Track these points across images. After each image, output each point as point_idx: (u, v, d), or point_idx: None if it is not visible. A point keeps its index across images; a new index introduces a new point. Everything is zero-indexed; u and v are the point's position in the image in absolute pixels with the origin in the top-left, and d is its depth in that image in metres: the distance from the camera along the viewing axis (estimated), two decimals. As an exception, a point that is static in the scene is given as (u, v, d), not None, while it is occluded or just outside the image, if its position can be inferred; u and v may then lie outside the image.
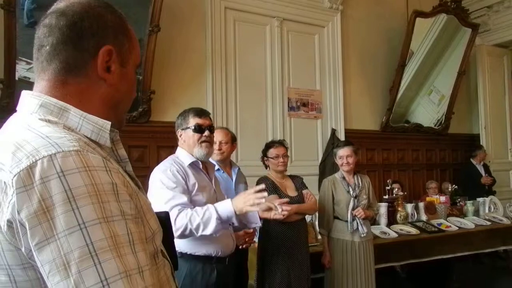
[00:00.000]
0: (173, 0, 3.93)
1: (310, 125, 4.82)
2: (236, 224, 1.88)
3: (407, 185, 5.45)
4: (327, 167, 4.63)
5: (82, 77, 0.78)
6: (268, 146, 3.02)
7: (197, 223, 1.81)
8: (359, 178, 3.19)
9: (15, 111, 0.79)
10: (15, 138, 0.68)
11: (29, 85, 2.57)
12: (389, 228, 3.81)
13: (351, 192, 3.09)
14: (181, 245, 1.94)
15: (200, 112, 2.12)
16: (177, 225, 1.81)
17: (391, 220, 3.99)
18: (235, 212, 1.83)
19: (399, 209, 4.08)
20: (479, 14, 5.92)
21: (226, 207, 1.84)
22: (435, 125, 5.81)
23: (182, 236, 1.83)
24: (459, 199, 4.88)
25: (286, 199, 2.37)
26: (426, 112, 5.72)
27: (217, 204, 1.87)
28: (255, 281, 2.89)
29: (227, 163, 2.92)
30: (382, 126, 5.35)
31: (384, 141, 5.43)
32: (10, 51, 3.15)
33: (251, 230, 2.59)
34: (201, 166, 2.09)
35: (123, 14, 0.85)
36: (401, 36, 5.20)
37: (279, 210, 2.05)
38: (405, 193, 4.80)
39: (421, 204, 4.30)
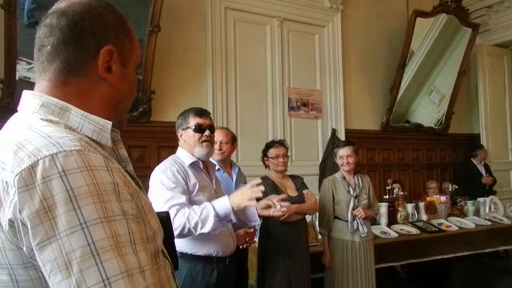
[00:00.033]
0: (173, 0, 3.93)
1: (310, 125, 4.82)
2: (234, 220, 1.88)
3: (407, 185, 5.45)
4: (327, 167, 4.63)
5: (83, 77, 0.78)
6: (268, 146, 3.02)
7: (195, 221, 1.81)
8: (360, 178, 3.19)
9: (16, 111, 0.79)
10: (17, 137, 0.68)
11: (29, 85, 2.57)
12: (390, 228, 3.81)
13: (352, 192, 3.09)
14: (181, 245, 1.95)
15: (201, 112, 2.12)
16: (175, 224, 1.81)
17: (392, 220, 3.99)
18: (232, 209, 1.83)
19: (400, 209, 4.08)
20: (479, 14, 5.92)
21: (223, 204, 1.84)
22: (435, 125, 5.81)
23: (181, 235, 1.83)
24: (459, 199, 4.88)
25: (284, 195, 2.37)
26: (427, 112, 5.72)
27: (214, 202, 1.87)
28: (255, 281, 2.89)
29: (227, 163, 2.92)
30: (382, 126, 5.35)
31: (385, 141, 5.43)
32: (10, 51, 3.15)
33: (252, 230, 2.59)
34: (201, 166, 2.09)
35: (123, 14, 0.85)
36: (402, 36, 5.20)
37: (278, 207, 2.06)
38: (406, 193, 4.79)
39: (422, 204, 4.30)
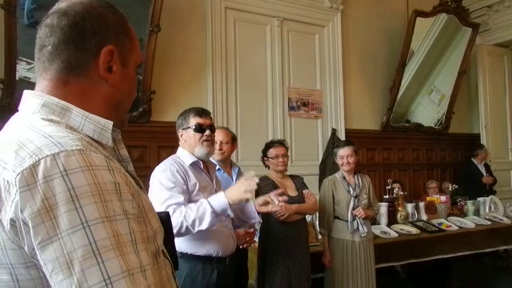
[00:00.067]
0: (173, 0, 3.93)
1: (311, 125, 4.82)
2: (231, 215, 1.87)
3: (407, 184, 5.45)
4: (328, 167, 4.63)
5: (84, 77, 0.78)
6: (268, 146, 3.02)
7: (192, 219, 1.81)
8: (360, 177, 3.19)
9: (16, 111, 0.79)
10: (18, 137, 0.68)
11: (29, 85, 2.57)
12: (390, 227, 3.81)
13: (352, 192, 3.09)
14: (181, 245, 1.95)
15: (201, 112, 2.13)
16: (173, 223, 1.81)
17: (392, 220, 3.99)
18: (229, 204, 1.82)
19: (400, 208, 4.08)
20: (480, 13, 5.92)
21: (219, 199, 1.84)
22: (435, 125, 5.81)
23: (179, 234, 1.83)
24: (459, 199, 4.88)
25: (280, 190, 2.38)
26: (427, 111, 5.72)
27: (211, 198, 1.88)
28: (255, 281, 2.89)
29: (227, 163, 2.92)
30: (382, 125, 5.35)
31: (385, 141, 5.43)
32: (10, 51, 3.15)
33: (252, 230, 2.59)
34: (202, 166, 2.10)
35: (124, 14, 0.85)
36: (402, 35, 5.20)
37: (276, 202, 2.07)
38: (406, 192, 4.79)
39: (422, 204, 4.30)
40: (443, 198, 4.52)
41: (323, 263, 3.07)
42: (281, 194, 2.18)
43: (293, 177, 3.08)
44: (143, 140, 3.84)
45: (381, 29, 5.36)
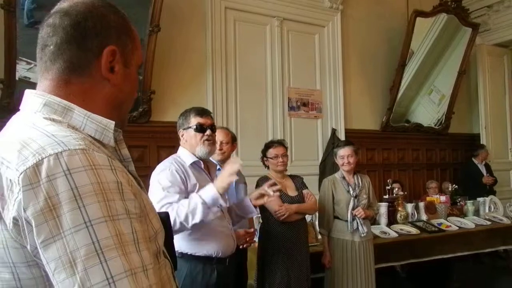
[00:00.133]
0: (173, 0, 3.93)
1: (310, 125, 4.82)
2: (224, 205, 1.86)
3: (407, 184, 5.45)
4: (327, 167, 4.63)
5: (86, 77, 0.78)
6: (267, 146, 3.02)
7: (185, 214, 1.81)
8: (359, 178, 3.19)
9: (16, 111, 0.79)
10: (20, 136, 0.68)
11: (29, 85, 2.57)
12: (389, 228, 3.81)
13: (351, 192, 3.09)
14: (181, 245, 1.95)
15: (202, 112, 2.13)
16: None
17: (391, 220, 3.99)
18: (219, 193, 1.82)
19: (399, 208, 4.08)
20: (479, 13, 5.92)
21: (208, 190, 1.85)
22: (435, 125, 5.81)
23: (174, 231, 1.82)
24: (459, 199, 4.89)
25: (273, 181, 2.40)
26: (427, 111, 5.73)
27: (201, 191, 1.88)
28: (255, 281, 2.89)
29: (227, 163, 2.91)
30: (382, 125, 5.35)
31: (384, 141, 5.44)
32: (10, 51, 3.15)
33: (252, 230, 2.60)
34: (202, 165, 2.10)
35: (125, 14, 0.85)
36: (401, 35, 5.20)
37: (271, 193, 2.08)
38: (405, 192, 4.80)
39: (421, 204, 4.30)
40: (443, 198, 4.52)
41: (322, 263, 3.07)
42: (272, 185, 2.20)
43: (293, 177, 3.08)
44: (143, 140, 3.84)
45: (381, 29, 5.36)
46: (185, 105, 2.53)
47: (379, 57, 5.34)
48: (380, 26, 5.35)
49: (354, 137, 4.43)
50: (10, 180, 0.63)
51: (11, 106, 3.12)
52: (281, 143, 3.03)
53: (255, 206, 2.19)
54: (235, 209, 2.22)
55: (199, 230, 1.95)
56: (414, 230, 3.82)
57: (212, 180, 2.14)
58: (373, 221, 3.72)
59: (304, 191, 3.00)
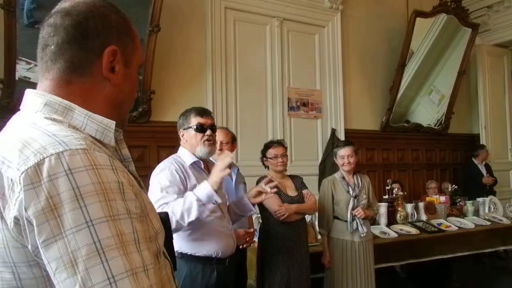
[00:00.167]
0: (173, 0, 3.93)
1: (310, 125, 4.82)
2: (219, 201, 1.85)
3: (407, 185, 5.46)
4: (327, 167, 4.63)
5: (87, 77, 0.78)
6: (267, 146, 3.01)
7: (180, 212, 1.81)
8: (359, 178, 3.19)
9: (16, 111, 0.79)
10: (21, 136, 0.68)
11: (29, 85, 2.57)
12: (389, 228, 3.81)
13: (351, 192, 3.09)
14: (181, 245, 1.95)
15: (202, 112, 2.13)
16: None
17: (391, 220, 3.99)
18: (213, 189, 1.82)
19: (399, 209, 4.08)
20: (479, 14, 5.92)
21: (203, 188, 1.84)
22: (435, 125, 5.81)
23: None
24: (459, 199, 4.89)
25: (269, 177, 2.39)
26: (426, 112, 5.73)
27: (195, 189, 1.88)
28: (255, 281, 2.89)
29: (219, 159, 2.91)
30: (382, 126, 5.35)
31: (384, 141, 5.44)
32: (10, 51, 3.15)
33: (252, 230, 2.60)
34: (202, 166, 2.10)
35: (126, 14, 0.85)
36: (401, 36, 5.20)
37: (268, 190, 2.09)
38: (405, 193, 4.80)
39: (421, 204, 4.30)
40: (442, 198, 4.52)
41: (322, 263, 3.07)
42: (269, 181, 2.20)
43: (292, 177, 3.08)
44: (142, 140, 3.84)
45: (381, 29, 5.36)
46: (185, 105, 2.53)
47: (379, 57, 5.34)
48: (380, 26, 5.35)
49: (354, 137, 4.43)
50: (11, 179, 0.63)
51: (11, 106, 3.12)
52: (280, 143, 3.03)
53: (253, 205, 2.20)
54: (234, 207, 2.22)
55: (199, 230, 1.95)
56: (413, 230, 3.82)
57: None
58: (373, 221, 3.72)
59: (304, 191, 3.00)
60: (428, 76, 5.56)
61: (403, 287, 4.38)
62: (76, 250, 0.61)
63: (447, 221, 4.19)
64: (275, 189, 2.19)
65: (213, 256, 1.99)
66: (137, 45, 0.86)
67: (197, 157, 2.08)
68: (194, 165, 2.07)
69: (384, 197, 4.19)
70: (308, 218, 3.30)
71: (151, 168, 2.10)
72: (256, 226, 3.18)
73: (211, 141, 2.10)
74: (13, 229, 0.64)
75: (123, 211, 0.66)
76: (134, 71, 0.86)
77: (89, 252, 0.61)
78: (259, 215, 3.02)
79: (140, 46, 0.89)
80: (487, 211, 4.66)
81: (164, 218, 0.92)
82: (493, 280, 4.47)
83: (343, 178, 3.16)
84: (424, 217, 4.21)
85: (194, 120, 2.08)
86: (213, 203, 1.84)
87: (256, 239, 2.95)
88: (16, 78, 3.22)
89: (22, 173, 0.63)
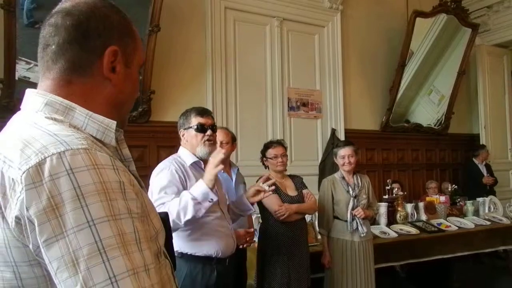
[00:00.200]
0: (173, 0, 3.93)
1: (310, 125, 4.82)
2: (214, 199, 1.86)
3: (407, 185, 5.46)
4: (327, 167, 4.63)
5: (88, 77, 0.78)
6: (267, 146, 3.01)
7: (177, 211, 1.81)
8: (359, 178, 3.19)
9: (16, 110, 0.79)
10: (22, 135, 0.68)
11: (29, 85, 2.57)
12: (389, 228, 3.81)
13: (351, 192, 3.09)
14: (181, 245, 1.95)
15: (202, 112, 2.13)
16: None
17: (391, 220, 3.99)
18: (208, 187, 1.83)
19: (399, 209, 4.09)
20: (479, 14, 5.93)
21: (197, 185, 1.86)
22: (435, 125, 5.81)
23: None
24: (459, 199, 4.89)
25: (267, 175, 2.39)
26: (426, 112, 5.73)
27: (191, 188, 1.89)
28: (255, 281, 2.89)
29: (227, 163, 2.92)
30: (382, 126, 5.35)
31: (384, 141, 5.44)
32: (10, 51, 3.15)
33: (252, 230, 2.60)
34: (203, 166, 2.10)
35: (126, 14, 0.85)
36: (401, 36, 5.20)
37: (266, 188, 2.10)
38: (405, 193, 4.80)
39: (421, 204, 4.30)
40: (442, 198, 4.53)
41: (322, 263, 3.07)
42: (267, 179, 2.20)
43: (292, 177, 3.08)
44: (142, 140, 3.84)
45: (381, 30, 5.36)
46: (185, 105, 2.54)
47: (379, 57, 5.35)
48: (380, 26, 5.35)
49: (353, 137, 4.42)
50: (13, 179, 0.63)
51: (11, 106, 3.12)
52: (280, 143, 3.02)
53: (252, 204, 2.20)
54: (233, 207, 2.22)
55: (199, 230, 1.95)
56: (413, 230, 3.82)
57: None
58: (373, 221, 3.72)
59: (304, 191, 3.00)
60: (428, 76, 5.56)
61: (403, 287, 4.38)
62: (77, 250, 0.61)
63: (447, 221, 4.19)
64: (273, 187, 2.19)
65: (213, 256, 1.99)
66: (138, 45, 0.86)
67: (197, 157, 2.08)
68: (194, 165, 2.07)
69: (384, 197, 4.19)
70: (308, 218, 3.30)
71: (151, 168, 2.10)
72: (256, 226, 3.18)
73: (212, 141, 2.10)
74: (14, 228, 0.64)
75: (124, 210, 0.66)
76: (135, 71, 0.86)
77: (90, 252, 0.61)
78: (259, 215, 3.02)
79: (141, 46, 0.89)
80: (487, 211, 4.66)
81: (164, 218, 0.92)
82: (493, 280, 4.47)
83: (343, 178, 3.16)
84: (424, 217, 4.21)
85: (195, 120, 2.08)
86: (209, 201, 1.85)
87: (256, 239, 2.94)
88: (16, 78, 3.22)
89: (24, 172, 0.63)
